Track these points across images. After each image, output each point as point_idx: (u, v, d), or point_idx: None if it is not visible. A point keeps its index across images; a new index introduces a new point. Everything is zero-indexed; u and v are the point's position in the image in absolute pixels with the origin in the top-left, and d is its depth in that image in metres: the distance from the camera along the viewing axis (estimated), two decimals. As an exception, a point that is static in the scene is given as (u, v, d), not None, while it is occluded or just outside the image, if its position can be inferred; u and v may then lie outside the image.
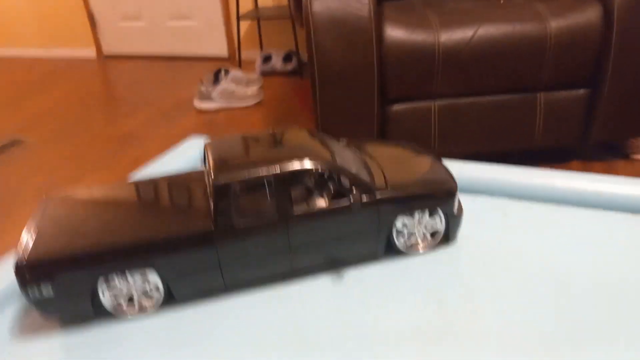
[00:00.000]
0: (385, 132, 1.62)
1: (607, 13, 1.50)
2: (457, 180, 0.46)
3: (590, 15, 1.51)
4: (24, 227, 1.67)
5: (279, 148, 0.45)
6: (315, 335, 0.38)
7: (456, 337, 0.38)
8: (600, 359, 0.35)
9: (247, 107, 2.56)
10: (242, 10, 3.13)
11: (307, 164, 0.41)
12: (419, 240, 0.46)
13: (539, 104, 1.60)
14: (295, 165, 0.41)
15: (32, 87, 3.23)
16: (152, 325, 0.41)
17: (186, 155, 0.63)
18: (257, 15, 2.86)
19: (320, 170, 0.42)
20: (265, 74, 3.01)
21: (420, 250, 0.46)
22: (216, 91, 2.50)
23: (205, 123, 2.41)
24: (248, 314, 0.41)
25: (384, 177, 0.44)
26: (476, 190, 0.54)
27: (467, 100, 1.59)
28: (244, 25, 3.20)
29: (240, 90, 2.54)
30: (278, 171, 0.40)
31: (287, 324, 0.40)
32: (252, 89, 2.58)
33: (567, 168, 1.73)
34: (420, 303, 0.41)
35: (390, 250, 0.45)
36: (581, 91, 1.60)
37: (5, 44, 3.96)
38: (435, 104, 1.58)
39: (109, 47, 3.69)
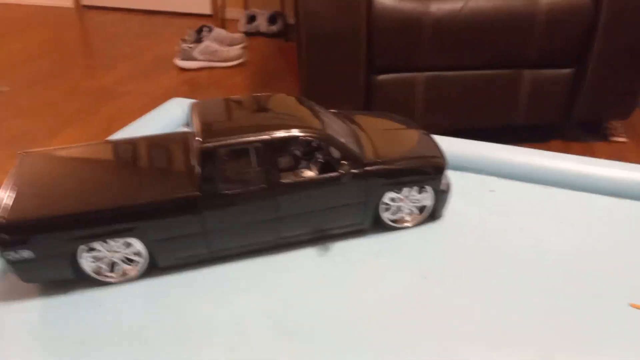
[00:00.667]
0: (370, 101, 1.61)
1: (597, -9, 1.49)
2: (448, 157, 0.46)
3: (581, -7, 1.50)
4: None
5: (268, 114, 0.43)
6: (299, 306, 0.38)
7: (438, 309, 0.38)
8: (581, 334, 0.35)
9: (229, 67, 2.51)
10: (227, -33, 3.03)
11: (298, 132, 0.40)
12: (406, 215, 0.45)
13: (524, 80, 1.60)
14: (286, 132, 0.40)
15: (7, 35, 3.11)
16: (134, 291, 0.40)
17: (168, 117, 0.62)
18: (244, -27, 2.78)
19: (310, 139, 0.41)
20: (249, 35, 2.94)
21: (408, 225, 0.46)
22: (198, 49, 2.44)
23: (186, 82, 2.36)
24: (232, 284, 0.40)
25: (375, 150, 0.43)
26: (464, 167, 0.53)
27: (453, 74, 1.58)
28: (229, -18, 3.11)
29: (222, 49, 2.48)
30: (268, 137, 0.39)
31: (271, 293, 0.39)
32: (235, 49, 2.52)
33: (547, 147, 1.75)
34: (404, 276, 0.41)
35: (378, 224, 0.45)
36: (566, 70, 1.60)
37: (-23, -13, 3.78)
38: (421, 76, 1.57)
39: (87, -3, 3.56)
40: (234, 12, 3.16)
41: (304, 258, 0.43)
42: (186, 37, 2.46)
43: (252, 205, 0.40)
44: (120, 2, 3.49)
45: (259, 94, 0.47)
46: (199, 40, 2.45)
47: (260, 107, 0.45)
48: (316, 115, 0.43)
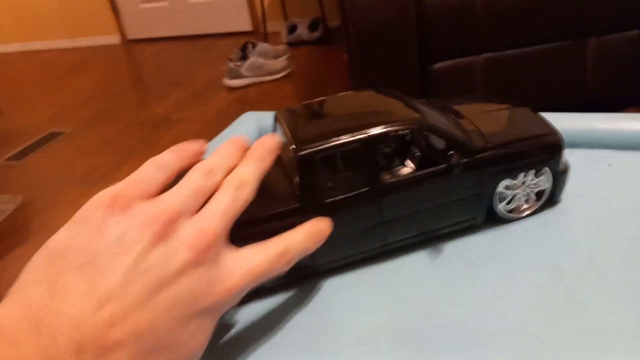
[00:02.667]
0: (428, 91, 1.55)
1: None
2: None
3: (643, -53, 1.39)
4: (70, 216, 1.68)
5: (358, 111, 0.40)
6: (421, 316, 0.34)
7: (585, 307, 0.33)
8: None
9: (277, 80, 2.51)
10: (263, -19, 3.05)
11: (397, 125, 0.36)
12: (523, 203, 0.41)
13: (589, 49, 1.50)
14: (384, 127, 0.36)
15: (62, 78, 3.24)
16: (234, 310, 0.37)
17: (244, 132, 0.59)
18: (280, -16, 2.79)
19: (412, 131, 0.37)
20: (292, 44, 2.94)
21: (524, 214, 0.41)
22: (245, 66, 2.46)
23: (237, 100, 2.38)
24: (344, 298, 0.37)
25: (482, 135, 0.39)
26: (573, 143, 0.48)
27: (512, 52, 1.50)
28: (266, -4, 3.13)
29: (268, 63, 2.49)
30: (365, 136, 0.36)
31: (388, 305, 0.36)
32: (281, 61, 2.52)
33: (622, 115, 1.63)
34: (535, 274, 0.36)
35: (491, 216, 0.41)
36: (634, 32, 1.49)
37: (31, 38, 3.98)
38: (480, 59, 1.50)
39: (132, 32, 3.67)
40: (275, 25, 3.17)
41: (417, 263, 0.39)
42: (232, 56, 2.48)
43: (355, 212, 0.37)
44: (163, 32, 3.58)
45: (339, 94, 0.43)
46: (244, 57, 2.47)
47: (348, 106, 0.41)
48: (409, 105, 0.40)
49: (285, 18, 3.13)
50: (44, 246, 0.28)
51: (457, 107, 0.44)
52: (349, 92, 0.43)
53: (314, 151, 0.35)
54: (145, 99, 2.64)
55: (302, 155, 0.35)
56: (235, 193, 0.32)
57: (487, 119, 0.42)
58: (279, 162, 0.40)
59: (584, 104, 1.63)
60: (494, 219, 0.41)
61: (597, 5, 1.43)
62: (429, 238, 0.40)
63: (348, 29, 1.44)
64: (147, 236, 0.27)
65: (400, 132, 0.36)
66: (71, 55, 3.72)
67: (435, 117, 0.39)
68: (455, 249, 0.40)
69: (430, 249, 0.40)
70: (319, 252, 0.37)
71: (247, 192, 0.33)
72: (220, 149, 0.36)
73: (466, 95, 0.48)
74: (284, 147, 0.38)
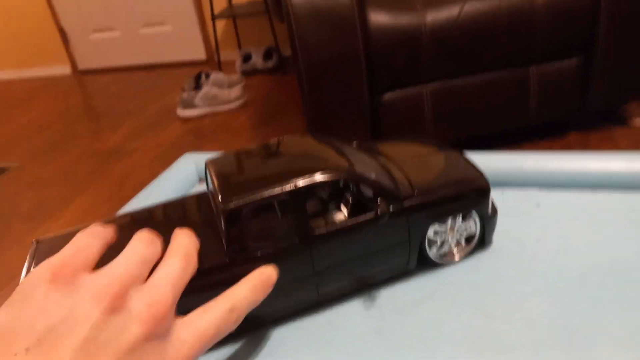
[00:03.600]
0: (378, 121, 1.58)
1: (593, -24, 1.46)
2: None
3: (577, -20, 1.47)
4: (15, 258, 1.60)
5: (287, 160, 0.40)
6: (355, 370, 0.34)
7: (512, 351, 0.33)
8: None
9: (232, 110, 2.50)
10: (216, 10, 3.06)
11: (325, 176, 0.36)
12: (454, 248, 0.41)
13: (532, 77, 1.56)
14: (312, 178, 0.36)
15: (10, 110, 3.14)
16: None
17: (183, 174, 0.59)
18: (232, 14, 2.80)
19: (340, 181, 0.37)
20: (246, 73, 2.95)
21: (456, 259, 0.41)
22: (198, 97, 2.44)
23: (190, 130, 2.36)
24: (275, 352, 0.36)
25: (409, 181, 0.40)
26: (503, 182, 0.49)
27: (459, 82, 1.54)
28: (220, 25, 3.14)
29: (223, 93, 2.48)
30: (292, 187, 0.36)
31: (322, 356, 0.35)
32: (235, 91, 2.52)
33: (566, 141, 1.70)
34: (465, 316, 0.37)
35: (423, 261, 0.41)
36: (574, 60, 1.56)
37: (-24, 69, 3.86)
38: (427, 89, 1.54)
39: (83, 62, 3.61)
40: (229, 54, 3.18)
41: (351, 311, 0.39)
42: (185, 86, 2.47)
43: (285, 265, 0.37)
44: (115, 61, 3.53)
45: (272, 140, 0.43)
46: (198, 87, 2.46)
47: (277, 154, 0.41)
48: (338, 152, 0.40)
49: (240, 47, 3.14)
50: None
51: (387, 151, 0.45)
52: (283, 137, 0.43)
53: (240, 205, 0.35)
54: (97, 130, 2.59)
55: (228, 209, 0.35)
56: (184, 261, 0.32)
57: (416, 164, 0.42)
58: (210, 213, 0.40)
59: (529, 129, 1.69)
60: (427, 265, 0.41)
61: (538, 35, 1.49)
62: (363, 287, 0.40)
63: (297, 61, 1.45)
64: (96, 312, 0.26)
65: (328, 182, 0.37)
66: (19, 86, 3.62)
67: (364, 164, 0.40)
68: (388, 295, 0.40)
69: (365, 296, 0.40)
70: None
71: (195, 261, 0.33)
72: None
73: (400, 137, 0.49)
74: (213, 198, 0.38)
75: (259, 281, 0.34)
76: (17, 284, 0.30)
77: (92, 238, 0.31)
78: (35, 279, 0.27)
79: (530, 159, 0.49)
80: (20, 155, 2.43)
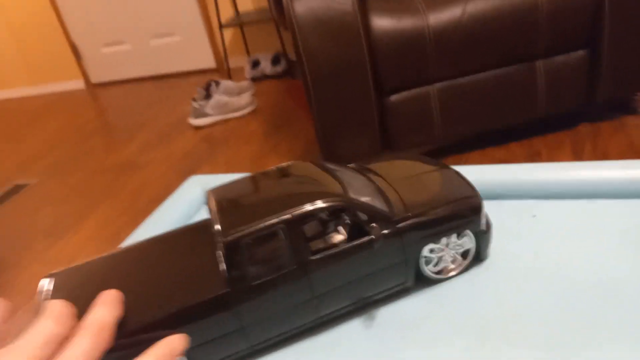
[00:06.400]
0: (386, 123, 1.59)
1: (596, -32, 1.45)
2: (478, 187, 0.43)
3: (579, -27, 1.46)
4: (35, 275, 1.64)
5: (285, 188, 0.41)
6: (355, 391, 0.35)
7: (509, 372, 0.34)
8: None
9: (243, 117, 2.52)
10: (223, 19, 3.09)
11: (321, 204, 0.38)
12: (450, 264, 0.42)
13: (538, 72, 1.55)
14: (308, 207, 0.37)
15: (27, 127, 3.21)
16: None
17: (189, 198, 0.60)
18: (239, 22, 2.82)
19: (335, 208, 0.38)
20: (256, 80, 2.97)
21: (453, 274, 0.43)
22: (209, 105, 2.47)
23: (203, 139, 2.38)
24: (280, 374, 0.38)
25: (403, 203, 0.41)
26: (500, 194, 0.50)
27: (465, 80, 1.55)
28: (228, 33, 3.16)
29: (233, 100, 2.51)
30: (289, 217, 0.37)
31: (323, 380, 0.37)
32: (245, 97, 2.54)
33: (575, 132, 1.69)
34: (462, 332, 0.38)
35: (421, 278, 0.42)
36: (580, 52, 1.55)
37: (-7, 88, 3.94)
38: (434, 88, 1.54)
39: (96, 76, 3.67)
40: (238, 61, 3.20)
41: (350, 333, 0.40)
42: (196, 96, 2.50)
43: (285, 290, 0.38)
44: (127, 74, 3.58)
45: (271, 168, 0.45)
46: (208, 96, 2.48)
47: (276, 182, 0.43)
48: (335, 177, 0.41)
49: (248, 53, 3.17)
50: None
51: (383, 172, 0.46)
52: (283, 165, 0.45)
53: (239, 236, 0.36)
54: (110, 144, 2.63)
55: (228, 240, 0.36)
56: (94, 339, 0.30)
57: (410, 184, 0.43)
58: (209, 242, 0.41)
59: (538, 123, 1.68)
60: (425, 281, 0.42)
61: (542, 31, 1.49)
62: (363, 306, 0.41)
63: (303, 71, 1.47)
64: None
65: (324, 209, 0.38)
66: (34, 103, 3.69)
67: (360, 189, 0.41)
68: (388, 314, 0.41)
69: (365, 316, 0.41)
70: (254, 333, 0.38)
71: (108, 335, 0.31)
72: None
73: (396, 154, 0.50)
74: (214, 228, 0.39)
75: (163, 353, 0.32)
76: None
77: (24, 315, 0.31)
78: None
79: (526, 170, 0.50)
80: (38, 172, 2.48)
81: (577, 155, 1.57)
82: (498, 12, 1.45)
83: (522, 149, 1.68)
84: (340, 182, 0.40)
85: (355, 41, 1.44)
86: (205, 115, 2.49)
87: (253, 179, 0.44)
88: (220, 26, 2.82)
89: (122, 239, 1.90)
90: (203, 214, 0.62)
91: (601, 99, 1.60)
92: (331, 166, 0.44)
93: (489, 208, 0.45)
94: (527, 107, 1.61)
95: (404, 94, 1.56)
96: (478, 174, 0.49)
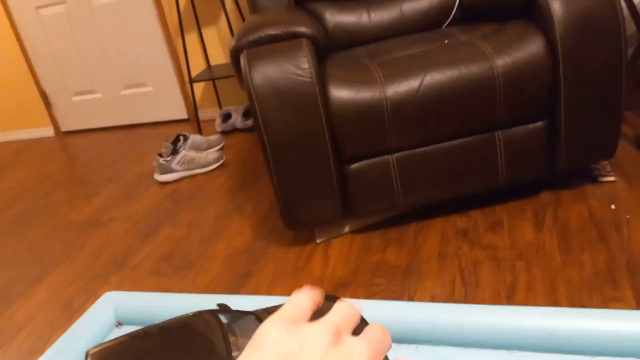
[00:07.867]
0: (347, 190, 1.57)
1: (550, 42, 1.48)
2: (394, 328, 0.40)
3: (534, 48, 1.48)
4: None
5: (167, 350, 0.38)
6: None
7: None
8: None
9: (210, 172, 2.50)
10: (195, 71, 3.10)
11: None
12: None
13: (498, 142, 1.56)
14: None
15: (-9, 176, 3.14)
16: None
17: (100, 320, 0.57)
18: (211, 76, 2.82)
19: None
20: (226, 133, 2.96)
21: None
22: (176, 161, 2.44)
23: (168, 195, 2.34)
24: None
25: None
26: (416, 339, 0.47)
27: (425, 150, 1.54)
28: (199, 85, 3.17)
29: (200, 156, 2.48)
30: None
31: None
32: (213, 152, 2.52)
33: (537, 199, 1.69)
34: None
35: None
36: (539, 123, 1.56)
37: (-40, 134, 3.87)
38: (393, 157, 1.54)
39: (66, 124, 3.63)
40: (210, 112, 3.20)
41: None
42: (162, 151, 2.47)
43: None
44: (97, 123, 3.55)
45: (171, 320, 0.41)
46: (175, 151, 2.46)
47: (169, 343, 0.40)
48: (224, 337, 0.38)
49: (220, 106, 3.16)
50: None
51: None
52: (172, 321, 0.41)
53: None
54: (74, 199, 2.57)
55: None
56: (381, 335, 0.32)
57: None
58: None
59: (500, 188, 1.68)
60: None
61: (500, 102, 1.50)
62: None
63: (261, 135, 1.45)
64: (324, 343, 0.29)
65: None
66: (3, 150, 3.63)
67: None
68: None
69: None
70: None
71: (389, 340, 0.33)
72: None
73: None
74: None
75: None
76: None
77: (305, 297, 0.33)
78: (267, 328, 0.30)
79: (445, 312, 0.48)
80: (-4, 226, 2.41)
81: (539, 225, 1.57)
82: (455, 84, 1.46)
83: (484, 217, 1.67)
84: (228, 348, 0.37)
85: (313, 111, 1.43)
86: (171, 171, 2.46)
87: (142, 335, 0.40)
88: (191, 80, 2.82)
89: (75, 308, 1.81)
90: (117, 333, 0.58)
91: (561, 170, 1.61)
92: (222, 328, 0.40)
93: (408, 354, 0.42)
94: (487, 177, 1.61)
95: (364, 163, 1.55)
96: (396, 313, 0.47)
